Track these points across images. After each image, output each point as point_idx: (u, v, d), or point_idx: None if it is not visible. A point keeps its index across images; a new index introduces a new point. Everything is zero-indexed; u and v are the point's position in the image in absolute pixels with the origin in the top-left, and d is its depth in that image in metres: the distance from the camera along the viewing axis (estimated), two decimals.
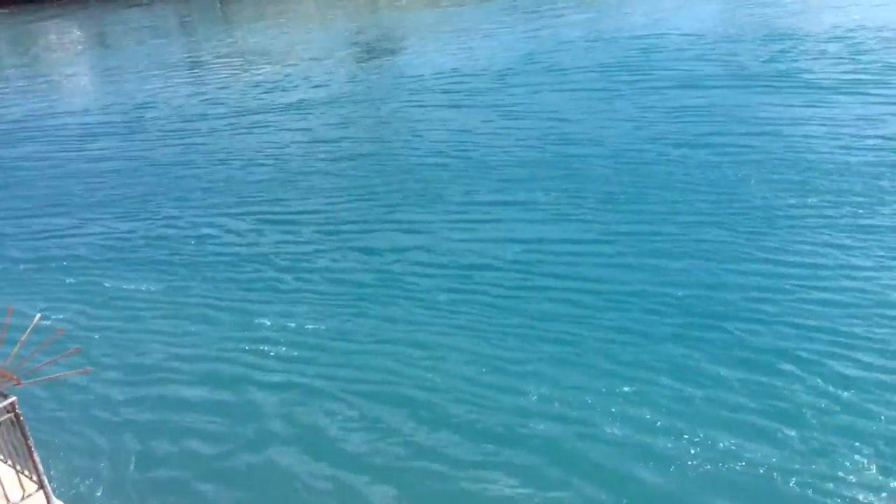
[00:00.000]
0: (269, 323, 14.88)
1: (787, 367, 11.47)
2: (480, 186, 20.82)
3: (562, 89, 28.82)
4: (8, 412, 7.68)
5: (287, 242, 19.04)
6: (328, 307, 15.10)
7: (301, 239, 19.11)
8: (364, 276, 16.30)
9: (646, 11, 41.74)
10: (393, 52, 41.06)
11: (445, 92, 30.79)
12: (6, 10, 58.67)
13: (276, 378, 12.97)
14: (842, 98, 23.51)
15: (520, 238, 17.09)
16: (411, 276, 15.91)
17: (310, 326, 14.49)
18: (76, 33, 55.04)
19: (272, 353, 13.79)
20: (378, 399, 11.94)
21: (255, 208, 21.69)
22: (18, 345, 7.12)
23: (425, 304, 14.69)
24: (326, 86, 34.53)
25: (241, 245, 19.45)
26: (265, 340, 14.20)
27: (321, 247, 18.49)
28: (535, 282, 14.97)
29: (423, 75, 33.98)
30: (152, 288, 17.86)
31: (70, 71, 46.09)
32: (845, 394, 10.80)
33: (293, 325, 14.62)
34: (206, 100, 35.12)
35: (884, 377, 11.02)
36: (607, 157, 21.30)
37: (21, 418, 7.80)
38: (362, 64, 38.68)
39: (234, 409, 12.31)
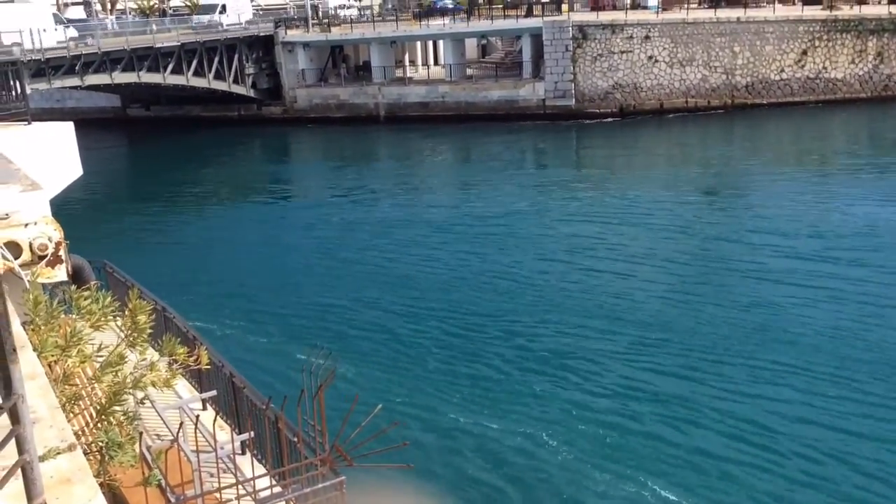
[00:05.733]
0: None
1: None
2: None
3: None
4: (335, 489, 8.23)
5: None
6: None
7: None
8: None
9: None
10: (733, 203, 40.23)
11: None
12: (390, 128, 66.77)
13: None
14: None
15: None
16: None
17: None
18: (442, 148, 61.20)
19: None
20: None
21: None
22: (358, 429, 7.66)
23: None
24: (650, 224, 34.90)
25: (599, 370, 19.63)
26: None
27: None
28: None
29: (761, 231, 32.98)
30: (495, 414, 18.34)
31: (427, 181, 51.51)
32: None
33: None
34: (537, 216, 36.97)
35: None
36: None
37: (345, 497, 8.31)
38: (691, 209, 38.22)
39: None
